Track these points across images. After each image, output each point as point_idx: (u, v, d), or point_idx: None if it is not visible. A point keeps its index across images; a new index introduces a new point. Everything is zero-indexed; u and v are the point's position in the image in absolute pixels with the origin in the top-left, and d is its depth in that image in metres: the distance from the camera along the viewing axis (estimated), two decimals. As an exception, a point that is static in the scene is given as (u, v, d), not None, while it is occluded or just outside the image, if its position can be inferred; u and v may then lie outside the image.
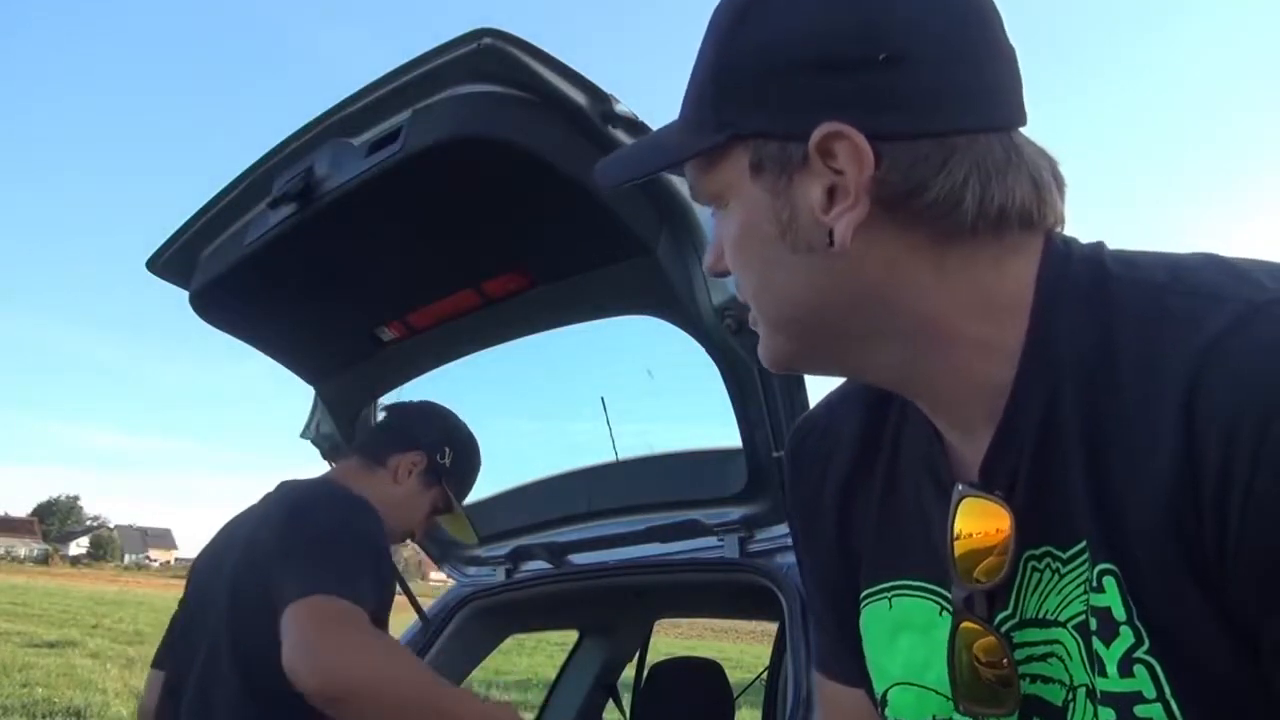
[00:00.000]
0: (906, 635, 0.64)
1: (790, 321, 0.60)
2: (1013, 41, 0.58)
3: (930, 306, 0.56)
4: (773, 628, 2.53)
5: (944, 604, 0.62)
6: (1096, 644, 0.52)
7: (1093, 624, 0.52)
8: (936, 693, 0.62)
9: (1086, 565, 0.53)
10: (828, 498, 0.72)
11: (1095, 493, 0.52)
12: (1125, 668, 0.50)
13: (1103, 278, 0.55)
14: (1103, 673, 0.52)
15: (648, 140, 0.71)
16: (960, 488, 0.58)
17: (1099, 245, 0.58)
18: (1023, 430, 0.56)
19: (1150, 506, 0.49)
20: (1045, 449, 0.55)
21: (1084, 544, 0.53)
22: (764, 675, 2.70)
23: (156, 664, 1.64)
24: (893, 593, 0.66)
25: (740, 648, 15.44)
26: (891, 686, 0.65)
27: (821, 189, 0.55)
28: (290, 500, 1.47)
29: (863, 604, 0.68)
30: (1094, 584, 0.52)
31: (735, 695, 2.78)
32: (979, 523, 0.57)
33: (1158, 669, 0.49)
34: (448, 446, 1.64)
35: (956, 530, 0.58)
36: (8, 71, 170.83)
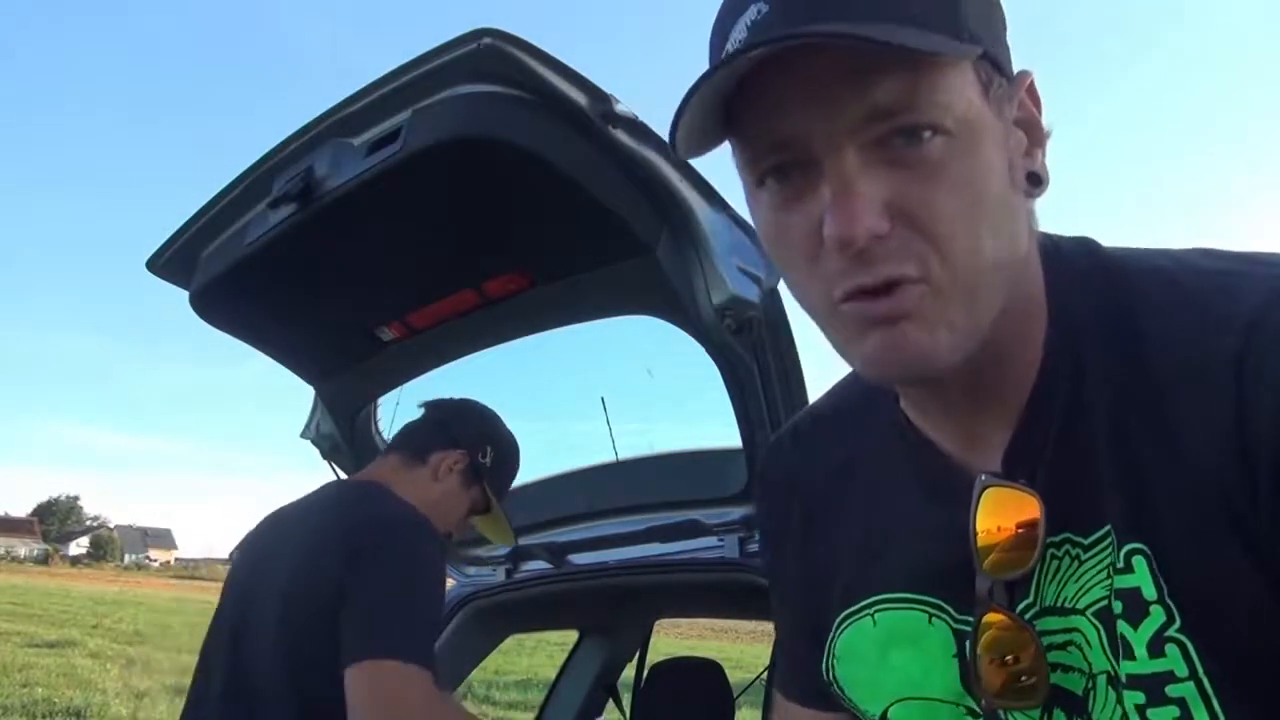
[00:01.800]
0: (899, 650, 0.63)
1: (997, 284, 0.52)
2: None
3: (1031, 277, 0.57)
4: (772, 628, 2.52)
5: (932, 611, 0.61)
6: (1123, 627, 0.52)
7: (1117, 607, 0.52)
8: (943, 701, 0.61)
9: (1110, 549, 0.53)
10: (798, 523, 0.71)
11: (1123, 472, 0.52)
12: (1156, 648, 0.50)
13: (1102, 262, 0.56)
14: (1130, 655, 0.51)
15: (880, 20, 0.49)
16: (984, 478, 0.57)
17: (1084, 237, 0.60)
18: (1048, 414, 0.56)
19: (1194, 477, 0.49)
20: (1071, 433, 0.55)
21: (1108, 528, 0.53)
22: (764, 675, 2.70)
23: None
24: (875, 609, 0.65)
25: (740, 648, 15.42)
26: (892, 704, 0.64)
27: (1021, 132, 0.55)
28: (348, 515, 1.41)
29: (842, 625, 0.67)
30: (1121, 565, 0.52)
31: (735, 695, 2.78)
32: (1001, 513, 0.56)
33: (1190, 647, 0.49)
34: (489, 445, 1.63)
35: (979, 524, 0.56)
36: (8, 71, 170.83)
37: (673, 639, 16.45)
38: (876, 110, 0.48)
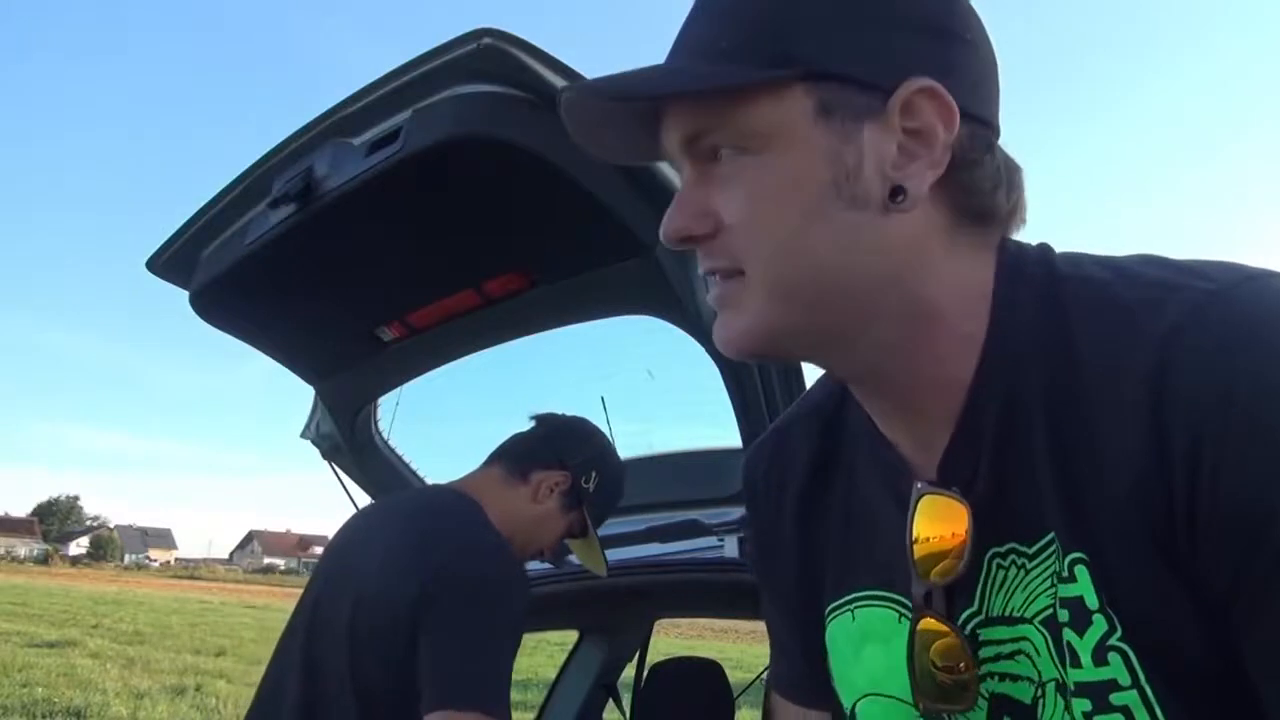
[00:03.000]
0: (869, 646, 0.64)
1: (804, 287, 0.55)
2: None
3: (932, 292, 0.56)
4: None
5: (902, 610, 0.62)
6: (1069, 635, 0.52)
7: (1063, 615, 0.53)
8: (900, 700, 0.62)
9: (1055, 557, 0.53)
10: (786, 523, 0.72)
11: (1061, 483, 0.52)
12: (1099, 656, 0.51)
13: (1054, 277, 0.56)
14: (1076, 663, 0.52)
15: (663, 67, 0.58)
16: (919, 486, 0.58)
17: (1046, 247, 0.59)
18: (982, 425, 0.56)
19: (1117, 492, 0.50)
20: (1007, 443, 0.55)
21: (1051, 536, 0.53)
22: (764, 675, 2.70)
23: None
24: (855, 604, 0.66)
25: (740, 648, 15.42)
26: (860, 699, 0.65)
27: (894, 145, 0.54)
28: (434, 531, 1.37)
29: (827, 620, 0.68)
30: (1065, 574, 0.52)
31: (735, 695, 2.78)
32: (938, 521, 0.57)
33: (1131, 655, 0.50)
34: (595, 470, 1.56)
35: (915, 530, 0.58)
36: (8, 71, 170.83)
37: (673, 639, 16.46)
38: (687, 136, 0.56)
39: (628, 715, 2.75)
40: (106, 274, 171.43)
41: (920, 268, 0.56)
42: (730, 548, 1.70)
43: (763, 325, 0.57)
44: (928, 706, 0.59)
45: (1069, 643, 0.52)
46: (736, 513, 1.71)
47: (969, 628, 0.58)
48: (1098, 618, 0.51)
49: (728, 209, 0.55)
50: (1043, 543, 0.54)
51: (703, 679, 2.70)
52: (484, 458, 1.67)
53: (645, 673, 2.78)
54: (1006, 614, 0.56)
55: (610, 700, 2.79)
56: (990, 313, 0.57)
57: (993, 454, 0.56)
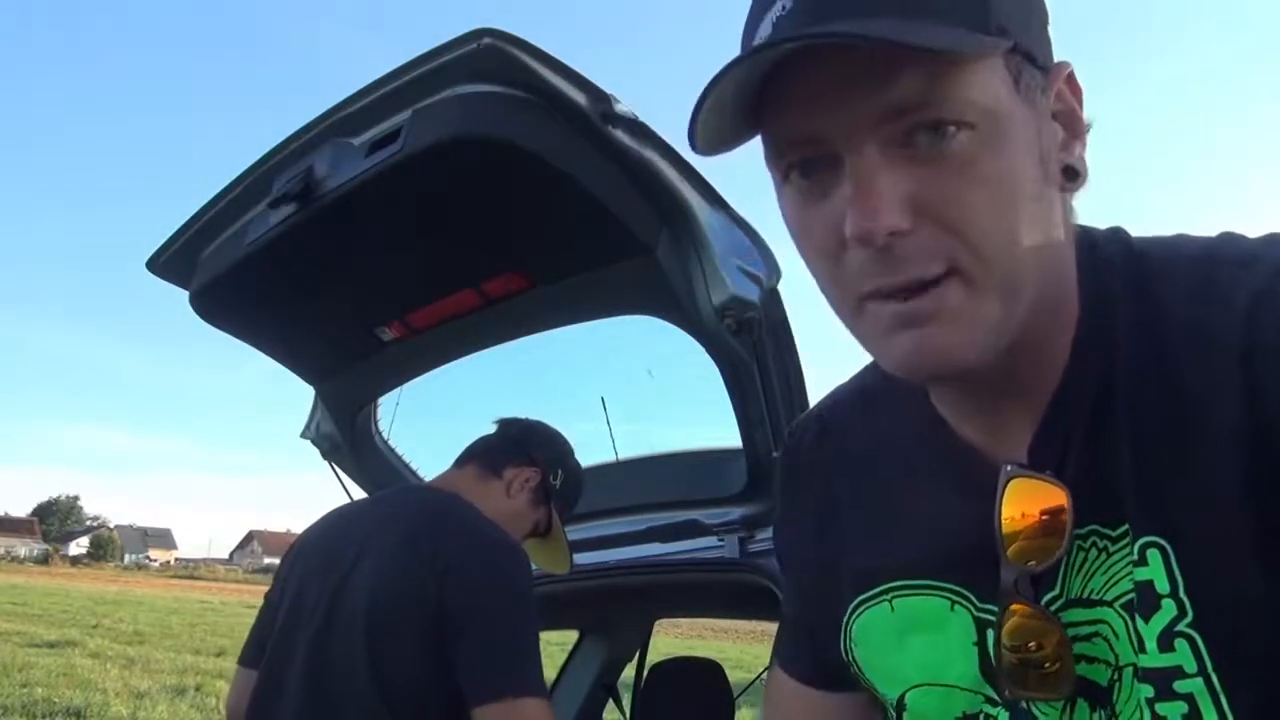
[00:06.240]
0: (918, 635, 0.63)
1: (1029, 280, 0.51)
2: None
3: (1066, 269, 0.56)
4: (773, 628, 2.51)
5: (955, 598, 0.61)
6: (1139, 620, 0.51)
7: (1135, 600, 0.52)
8: (962, 689, 0.61)
9: (1131, 543, 0.53)
10: (821, 505, 0.71)
11: (1139, 466, 0.52)
12: (1165, 642, 0.50)
13: (1136, 255, 0.56)
14: (1141, 649, 0.51)
15: (891, 22, 0.48)
16: (1009, 468, 0.56)
17: (1115, 228, 0.59)
18: (1076, 406, 0.55)
19: (1214, 468, 0.49)
20: (1099, 425, 0.54)
21: (1129, 522, 0.53)
22: (764, 675, 2.70)
23: (246, 662, 1.56)
24: (893, 594, 0.64)
25: (740, 648, 15.43)
26: (909, 690, 0.64)
27: (1058, 126, 0.54)
28: (439, 528, 1.40)
29: (857, 610, 0.67)
30: (1135, 558, 0.52)
31: (735, 695, 2.78)
32: (1027, 503, 0.55)
33: (1199, 642, 0.49)
34: (560, 469, 1.64)
35: (1004, 512, 0.56)
36: (8, 71, 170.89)
37: (673, 639, 16.46)
38: (896, 107, 0.48)
39: (628, 715, 2.75)
40: (106, 273, 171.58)
41: (1065, 244, 0.56)
42: (730, 548, 1.70)
43: (993, 332, 0.51)
44: (1014, 693, 0.57)
45: (1137, 628, 0.52)
46: (736, 513, 1.71)
47: (1051, 610, 0.56)
48: (1167, 603, 0.50)
49: (960, 199, 0.48)
50: (1125, 527, 0.53)
51: (703, 679, 2.70)
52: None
53: (645, 673, 2.78)
54: (1085, 596, 0.55)
55: (610, 700, 2.79)
56: (1079, 294, 0.56)
57: (1084, 437, 0.55)
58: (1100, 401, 0.54)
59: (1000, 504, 0.56)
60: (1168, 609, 0.50)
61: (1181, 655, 0.49)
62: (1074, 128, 0.55)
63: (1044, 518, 0.54)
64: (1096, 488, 0.54)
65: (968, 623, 0.60)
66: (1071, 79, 0.55)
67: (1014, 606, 0.56)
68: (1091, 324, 0.56)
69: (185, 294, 1.66)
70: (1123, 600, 0.53)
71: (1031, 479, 0.55)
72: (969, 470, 0.60)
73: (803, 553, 0.74)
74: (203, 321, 1.70)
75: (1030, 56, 0.52)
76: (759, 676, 2.85)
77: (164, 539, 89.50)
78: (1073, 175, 0.54)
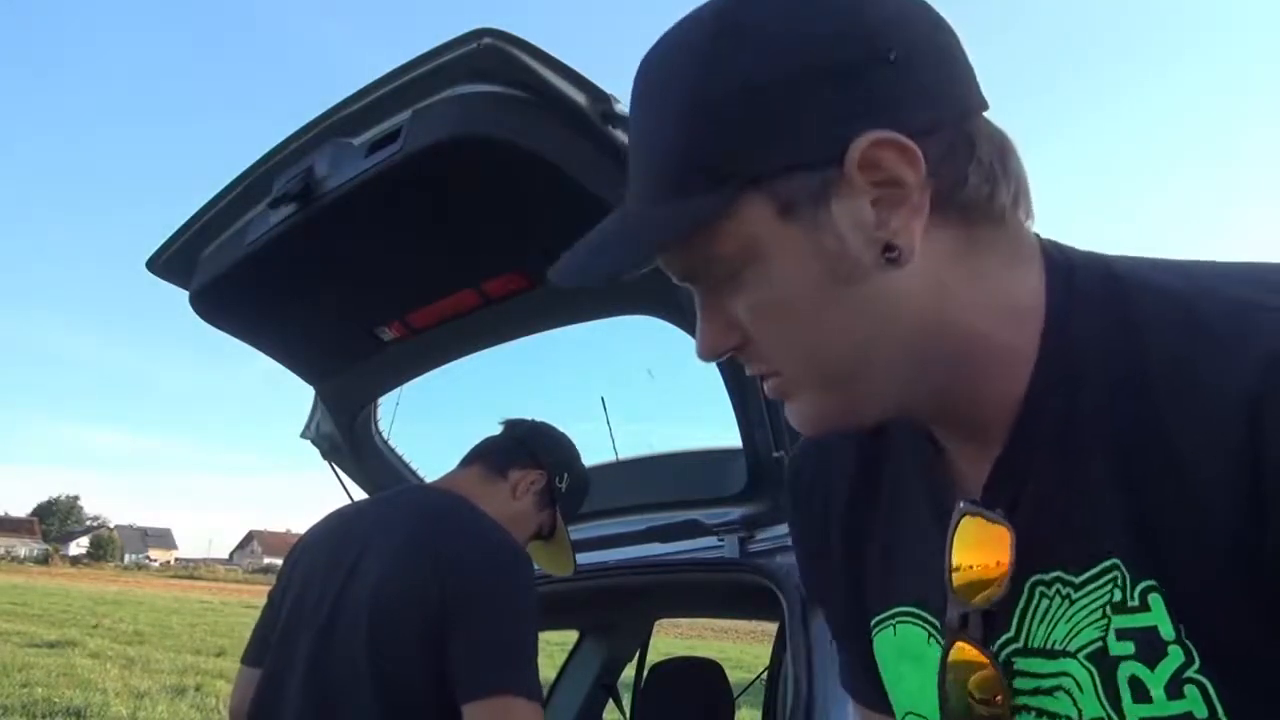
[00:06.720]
0: (905, 664, 0.63)
1: (844, 371, 0.54)
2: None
3: (971, 320, 0.54)
4: (773, 628, 2.52)
5: (931, 630, 0.60)
6: (1134, 668, 0.50)
7: (1123, 648, 0.50)
8: None
9: (1113, 586, 0.51)
10: (832, 525, 0.70)
11: (1130, 508, 0.50)
12: (1174, 689, 0.48)
13: (1114, 282, 0.53)
14: (1144, 698, 0.49)
15: (599, 237, 0.63)
16: (962, 505, 0.56)
17: (1093, 252, 0.57)
18: (1034, 443, 0.54)
19: (1204, 520, 0.47)
20: (1062, 462, 0.53)
21: (1111, 563, 0.51)
22: (764, 675, 2.70)
23: (249, 661, 1.55)
24: (895, 620, 0.64)
25: (740, 648, 15.44)
26: (904, 715, 0.64)
27: (868, 205, 0.51)
28: (443, 529, 1.40)
29: (874, 631, 0.67)
30: (1134, 603, 0.50)
31: (735, 695, 2.78)
32: (978, 544, 0.55)
33: (1210, 689, 0.48)
34: (566, 472, 1.62)
35: (954, 552, 0.55)
36: (9, 70, 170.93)
37: (673, 639, 16.46)
38: (692, 270, 0.57)
39: (628, 715, 2.75)
40: (107, 273, 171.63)
41: (951, 301, 0.53)
42: (730, 548, 1.70)
43: (822, 411, 0.57)
44: None
45: (1135, 676, 0.50)
46: (736, 513, 1.71)
47: (1004, 654, 0.55)
48: (1174, 649, 0.48)
49: (750, 323, 0.55)
50: (1095, 570, 0.51)
51: (703, 679, 2.70)
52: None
53: (645, 673, 2.78)
54: (1047, 646, 0.54)
55: (610, 700, 2.79)
56: (1045, 321, 0.54)
57: (1044, 473, 0.53)
58: (1065, 436, 0.53)
59: (951, 541, 0.56)
60: (1175, 655, 0.48)
61: (1192, 701, 0.48)
62: (897, 195, 0.51)
63: (996, 562, 0.54)
64: (1061, 530, 0.53)
65: (938, 656, 0.59)
66: (884, 144, 0.50)
67: (959, 645, 0.56)
68: (1053, 355, 0.54)
69: (185, 294, 1.66)
70: (1088, 650, 0.52)
71: (981, 517, 0.55)
72: (946, 501, 0.59)
73: (825, 574, 0.73)
74: (203, 322, 1.70)
75: (789, 168, 0.51)
76: (759, 676, 2.85)
77: (164, 539, 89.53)
78: (890, 252, 0.51)
